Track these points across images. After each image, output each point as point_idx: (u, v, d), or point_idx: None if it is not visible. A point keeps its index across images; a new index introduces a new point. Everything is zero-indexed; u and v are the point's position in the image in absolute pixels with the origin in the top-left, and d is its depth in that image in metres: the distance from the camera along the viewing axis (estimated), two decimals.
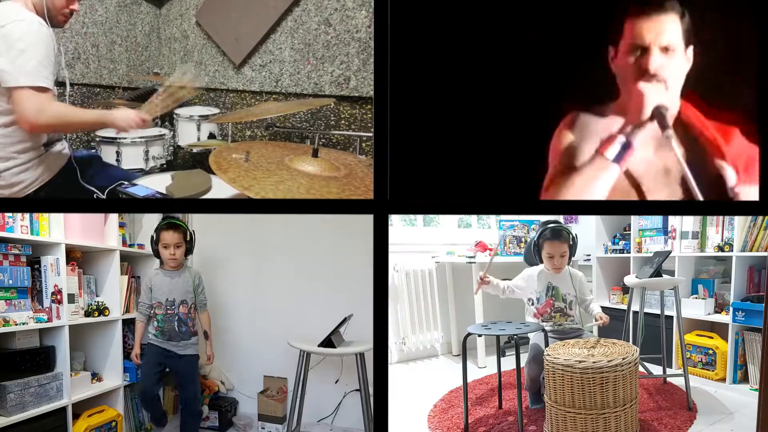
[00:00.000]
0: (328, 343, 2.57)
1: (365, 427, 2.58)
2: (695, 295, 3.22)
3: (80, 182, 2.16)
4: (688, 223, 3.17)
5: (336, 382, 2.88)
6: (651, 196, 2.05)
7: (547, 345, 2.56)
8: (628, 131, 2.01)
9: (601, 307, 2.88)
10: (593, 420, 2.22)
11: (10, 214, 2.22)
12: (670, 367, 3.15)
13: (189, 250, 2.70)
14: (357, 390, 2.64)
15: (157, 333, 2.65)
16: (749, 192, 2.04)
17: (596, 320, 2.65)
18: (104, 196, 2.14)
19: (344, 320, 2.64)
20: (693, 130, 2.03)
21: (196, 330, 2.71)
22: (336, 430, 2.89)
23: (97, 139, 2.32)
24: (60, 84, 2.08)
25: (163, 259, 2.68)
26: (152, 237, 2.67)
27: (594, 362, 2.21)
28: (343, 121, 2.39)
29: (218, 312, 2.97)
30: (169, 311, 2.64)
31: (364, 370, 2.56)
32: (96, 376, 2.71)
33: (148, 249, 2.75)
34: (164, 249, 2.65)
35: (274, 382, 2.98)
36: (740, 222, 2.90)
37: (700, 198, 1.99)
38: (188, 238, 2.68)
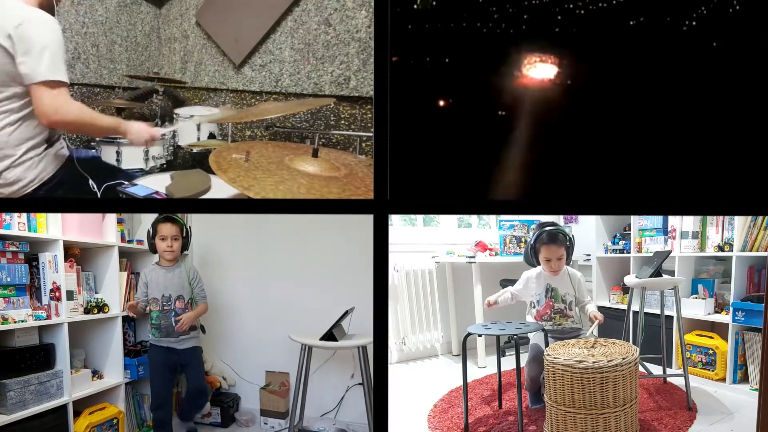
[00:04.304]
0: (329, 336, 2.58)
1: (369, 419, 2.58)
2: (695, 295, 3.21)
3: (77, 168, 2.17)
4: (688, 223, 3.16)
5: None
6: None
7: (547, 345, 2.56)
8: None
9: (601, 306, 2.88)
10: (593, 420, 2.22)
11: None
12: (670, 367, 3.14)
13: (185, 246, 2.72)
14: (359, 384, 2.64)
15: (154, 331, 2.66)
16: None
17: (592, 320, 2.65)
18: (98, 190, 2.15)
19: (346, 313, 2.65)
20: None
21: (194, 324, 2.72)
22: (339, 425, 2.90)
23: (97, 138, 2.31)
24: None
25: (159, 253, 2.69)
26: (149, 231, 2.68)
27: (594, 362, 2.21)
28: (343, 121, 2.39)
29: (220, 308, 2.98)
30: (165, 307, 2.65)
31: (366, 363, 2.56)
32: (96, 374, 2.71)
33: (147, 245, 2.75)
34: (161, 241, 2.66)
35: (276, 376, 2.99)
36: (740, 222, 2.90)
37: None
38: (185, 234, 2.70)
